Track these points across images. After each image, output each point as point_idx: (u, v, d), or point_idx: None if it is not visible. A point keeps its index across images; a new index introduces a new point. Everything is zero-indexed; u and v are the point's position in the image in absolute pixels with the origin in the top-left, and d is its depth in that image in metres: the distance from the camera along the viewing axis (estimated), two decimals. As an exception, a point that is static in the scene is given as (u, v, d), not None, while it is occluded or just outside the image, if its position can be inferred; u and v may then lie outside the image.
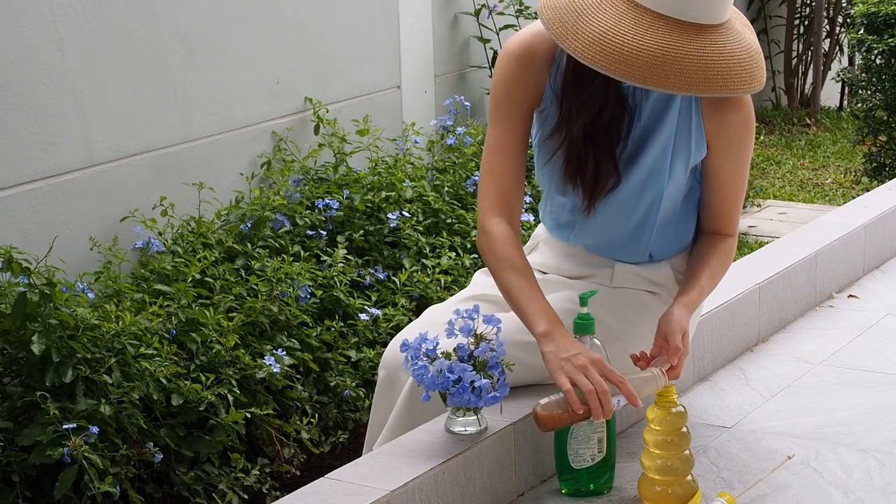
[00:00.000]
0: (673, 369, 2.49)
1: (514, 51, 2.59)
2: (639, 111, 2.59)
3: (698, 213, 2.74)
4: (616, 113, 2.56)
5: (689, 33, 2.36)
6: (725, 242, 2.72)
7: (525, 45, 2.59)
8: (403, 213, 4.18)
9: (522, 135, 2.61)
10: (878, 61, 6.28)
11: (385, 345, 3.51)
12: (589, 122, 2.55)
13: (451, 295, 3.33)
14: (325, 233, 4.02)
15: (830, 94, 8.80)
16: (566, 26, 2.38)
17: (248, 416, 3.24)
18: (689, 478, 2.45)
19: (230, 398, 3.21)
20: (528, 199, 4.59)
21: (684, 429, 2.44)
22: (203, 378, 3.19)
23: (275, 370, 3.32)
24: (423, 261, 4.09)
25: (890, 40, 6.11)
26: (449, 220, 4.33)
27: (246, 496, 3.21)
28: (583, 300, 2.48)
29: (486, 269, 2.88)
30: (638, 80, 2.33)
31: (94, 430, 2.88)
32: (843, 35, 8.53)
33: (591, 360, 2.38)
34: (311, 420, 3.45)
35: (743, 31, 2.47)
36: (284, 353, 3.41)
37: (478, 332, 2.41)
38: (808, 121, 8.13)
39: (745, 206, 6.16)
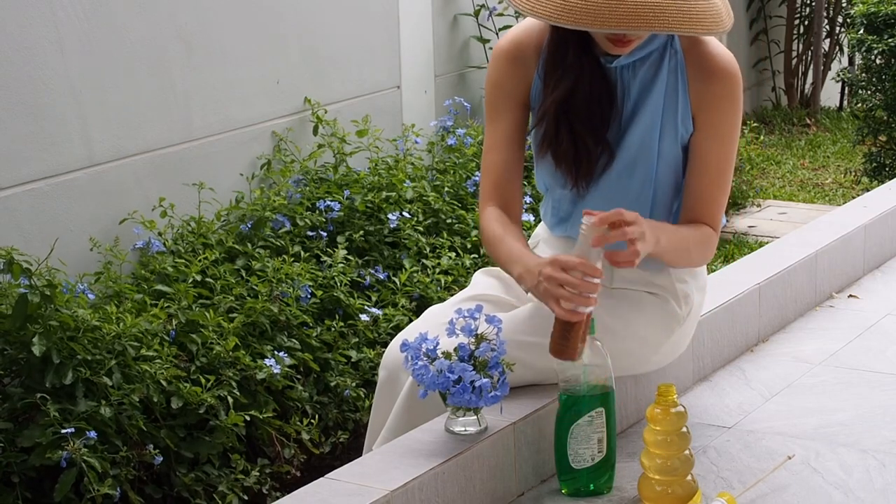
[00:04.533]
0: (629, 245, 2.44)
1: (503, 46, 2.67)
2: (627, 91, 2.60)
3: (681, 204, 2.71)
4: (595, 90, 2.57)
5: None
6: (705, 228, 2.65)
7: (512, 41, 2.66)
8: (403, 213, 4.18)
9: (514, 129, 2.66)
10: (878, 61, 6.28)
11: (385, 345, 3.51)
12: (563, 98, 2.56)
13: (452, 295, 3.34)
14: (325, 233, 4.02)
15: (830, 94, 8.80)
16: None
17: (248, 418, 3.23)
18: (689, 478, 2.45)
19: (230, 400, 3.21)
20: (528, 199, 4.59)
21: (684, 429, 2.44)
22: (203, 380, 3.19)
23: (275, 371, 3.32)
24: (424, 261, 4.10)
25: (890, 40, 6.11)
26: (449, 221, 4.33)
27: (246, 497, 3.21)
28: None
29: (485, 269, 2.89)
30: (574, 22, 2.36)
31: (92, 434, 2.88)
32: (843, 35, 8.54)
33: (546, 276, 2.40)
34: (312, 421, 3.45)
35: None
36: (285, 354, 3.41)
37: (478, 332, 2.41)
38: (808, 121, 8.13)
39: (745, 206, 6.18)
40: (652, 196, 2.65)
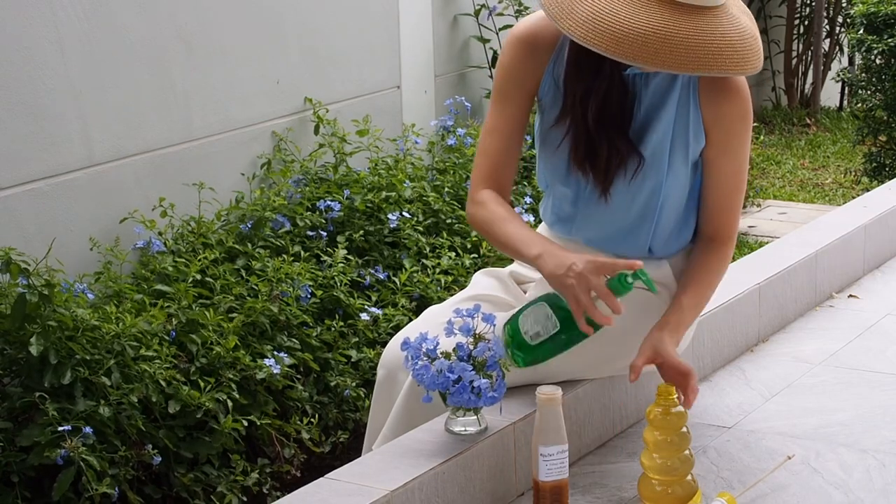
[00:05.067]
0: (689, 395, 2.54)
1: (519, 34, 2.65)
2: (638, 99, 2.60)
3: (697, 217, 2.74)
4: (621, 98, 2.58)
5: (681, 14, 2.38)
6: (720, 250, 2.70)
7: (529, 30, 2.64)
8: (403, 213, 4.18)
9: (518, 117, 2.65)
10: (878, 61, 6.29)
11: (385, 345, 3.51)
12: (598, 108, 2.56)
13: (452, 295, 3.33)
14: (325, 233, 4.02)
15: (830, 94, 8.80)
16: (561, 6, 2.42)
17: (246, 423, 3.23)
18: (689, 478, 2.45)
19: (229, 404, 3.20)
20: (528, 199, 4.59)
21: (684, 429, 2.44)
22: (202, 383, 3.19)
23: (275, 371, 3.32)
24: (424, 261, 4.09)
25: (890, 40, 6.11)
26: (449, 221, 4.33)
27: (245, 498, 3.20)
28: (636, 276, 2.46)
29: (485, 269, 2.88)
30: (628, 57, 2.36)
31: (88, 430, 2.88)
32: (843, 35, 8.54)
33: (577, 273, 2.41)
34: (312, 420, 3.45)
35: (740, 16, 2.48)
36: (285, 354, 3.41)
37: (477, 331, 2.41)
38: (808, 121, 8.13)
39: (744, 206, 6.18)
40: (658, 208, 2.65)
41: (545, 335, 2.48)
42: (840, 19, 8.56)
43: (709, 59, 2.38)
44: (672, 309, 2.63)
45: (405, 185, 4.32)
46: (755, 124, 7.11)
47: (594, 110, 2.56)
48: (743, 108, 2.62)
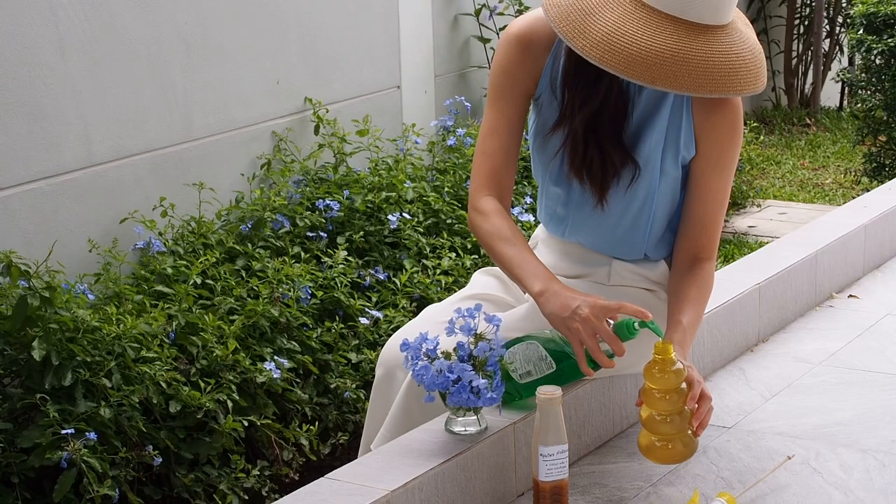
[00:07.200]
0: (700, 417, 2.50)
1: (516, 33, 2.62)
2: (632, 105, 2.59)
3: (677, 233, 2.71)
4: (618, 106, 2.57)
5: (696, 34, 2.36)
6: (705, 267, 2.66)
7: (526, 29, 2.61)
8: (404, 213, 4.18)
9: (517, 117, 2.64)
10: (877, 61, 6.29)
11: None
12: (591, 115, 2.55)
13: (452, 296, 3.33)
14: (325, 234, 4.01)
15: (830, 94, 8.80)
16: (573, 25, 2.39)
17: (246, 423, 3.23)
18: (689, 432, 2.45)
19: (229, 404, 3.20)
20: (528, 199, 4.59)
21: (683, 385, 2.43)
22: (202, 384, 3.19)
23: (275, 375, 3.32)
24: (424, 261, 4.09)
25: (889, 40, 6.11)
26: (449, 221, 4.33)
27: (246, 497, 3.20)
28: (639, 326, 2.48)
29: (484, 269, 2.88)
30: (646, 80, 2.34)
31: (93, 436, 2.88)
32: (843, 35, 8.54)
33: (583, 318, 2.42)
34: (311, 427, 3.44)
35: (746, 31, 2.47)
36: (285, 360, 3.40)
37: (478, 331, 2.41)
38: (808, 121, 8.13)
39: (745, 206, 6.18)
40: (652, 213, 2.65)
41: (537, 375, 2.50)
42: (840, 19, 8.56)
43: (725, 80, 2.37)
44: (674, 329, 2.58)
45: (405, 185, 4.31)
46: (755, 124, 7.12)
47: (593, 119, 2.55)
48: (734, 119, 2.60)
